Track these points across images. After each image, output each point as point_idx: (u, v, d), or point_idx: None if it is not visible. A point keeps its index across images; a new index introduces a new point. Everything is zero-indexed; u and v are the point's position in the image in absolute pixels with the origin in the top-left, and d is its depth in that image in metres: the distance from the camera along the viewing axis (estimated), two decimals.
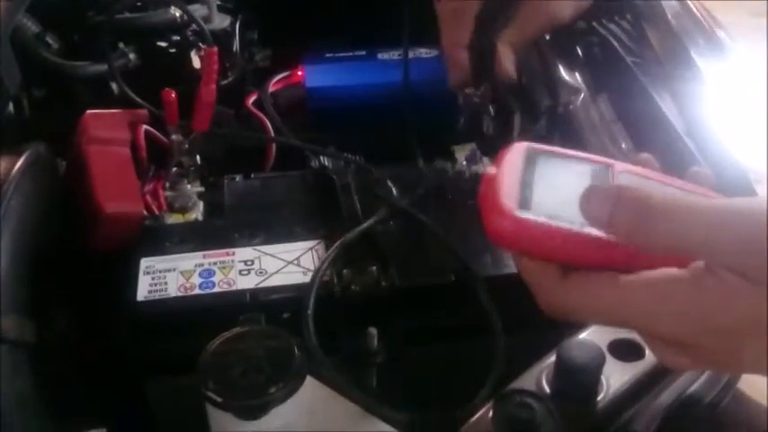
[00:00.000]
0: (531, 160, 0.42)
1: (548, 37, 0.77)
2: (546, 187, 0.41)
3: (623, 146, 0.64)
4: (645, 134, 0.58)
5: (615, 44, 0.74)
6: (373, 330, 0.58)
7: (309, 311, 0.54)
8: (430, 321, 0.62)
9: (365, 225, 0.62)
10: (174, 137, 0.68)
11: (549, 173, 0.41)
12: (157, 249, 0.63)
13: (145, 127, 0.71)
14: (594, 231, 0.38)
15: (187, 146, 0.69)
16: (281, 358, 0.49)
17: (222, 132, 0.73)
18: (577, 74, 0.74)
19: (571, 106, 0.71)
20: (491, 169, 0.41)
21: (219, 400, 0.46)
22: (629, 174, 0.42)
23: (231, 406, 0.46)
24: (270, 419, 0.47)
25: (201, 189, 0.70)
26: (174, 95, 0.66)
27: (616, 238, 0.37)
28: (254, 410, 0.46)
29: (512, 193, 0.40)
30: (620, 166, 0.43)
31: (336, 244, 0.60)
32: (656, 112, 0.64)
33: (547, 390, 0.49)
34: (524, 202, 0.40)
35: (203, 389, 0.47)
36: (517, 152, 0.42)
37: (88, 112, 0.69)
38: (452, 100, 0.78)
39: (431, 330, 0.62)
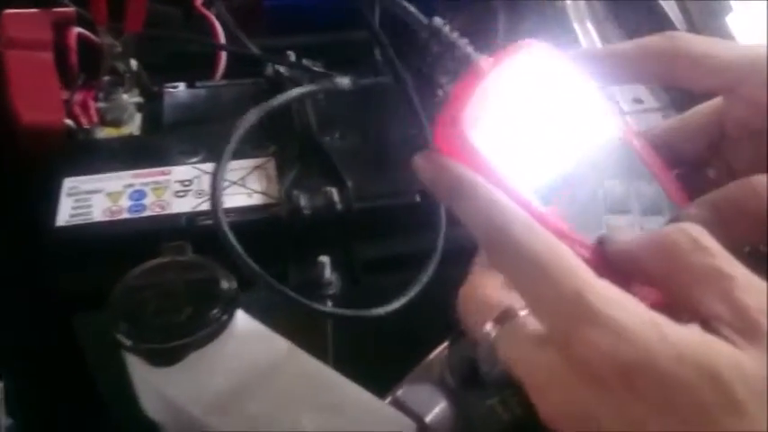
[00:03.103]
0: (537, 69, 0.32)
1: None
2: (532, 114, 0.31)
3: None
4: (641, 33, 0.49)
5: None
6: (325, 259, 0.51)
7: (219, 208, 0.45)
8: (392, 248, 0.55)
9: (286, 96, 0.53)
10: (103, 39, 0.60)
11: (547, 94, 0.32)
12: (84, 168, 0.55)
13: (78, 29, 0.63)
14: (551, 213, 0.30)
15: (120, 49, 0.60)
16: (204, 293, 0.42)
17: (161, 35, 0.64)
18: None
19: (559, 3, 0.61)
20: (484, 62, 0.31)
21: (128, 342, 0.40)
22: (626, 144, 0.33)
23: (140, 350, 0.40)
24: (188, 367, 0.40)
25: (140, 99, 0.62)
26: None
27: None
28: (165, 355, 0.39)
29: (485, 103, 0.30)
30: (623, 130, 0.33)
31: (255, 109, 0.51)
32: (653, 7, 0.55)
33: None
34: (487, 124, 0.30)
35: (112, 330, 0.40)
36: (527, 53, 0.32)
37: (6, 11, 0.60)
38: None
39: (393, 258, 0.55)
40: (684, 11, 0.53)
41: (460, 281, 0.36)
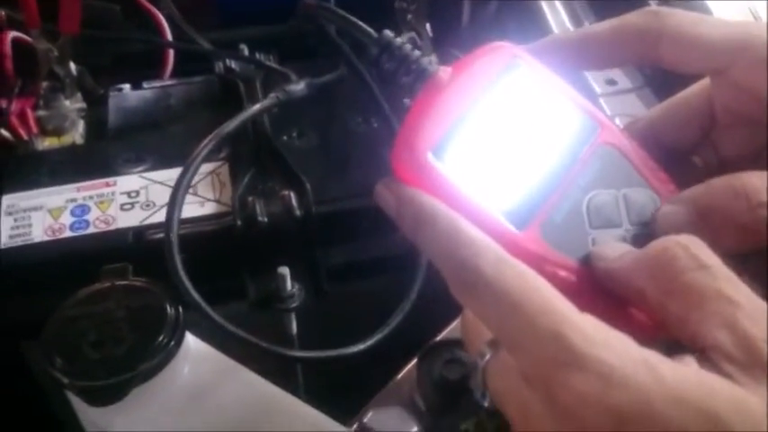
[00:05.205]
0: (502, 77, 0.29)
1: None
2: (501, 127, 0.28)
3: (586, 24, 0.52)
4: (615, 9, 0.45)
5: None
6: (284, 270, 0.47)
7: (172, 235, 0.42)
8: (358, 253, 0.52)
9: (251, 111, 0.49)
10: (38, 43, 0.56)
11: (517, 103, 0.29)
12: (23, 183, 0.52)
13: (13, 33, 0.59)
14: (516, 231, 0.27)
15: (56, 53, 0.56)
16: (147, 320, 0.38)
17: (101, 35, 0.60)
18: None
19: None
20: (443, 73, 0.28)
21: (65, 380, 0.36)
22: (610, 147, 0.30)
23: (78, 388, 0.36)
24: (134, 403, 0.36)
25: (83, 105, 0.58)
26: None
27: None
28: (106, 393, 0.36)
29: (447, 119, 0.27)
30: (606, 131, 0.30)
31: (211, 136, 0.46)
32: None
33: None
34: (449, 144, 0.27)
35: (48, 367, 0.37)
36: (491, 60, 0.29)
37: None
38: None
39: (360, 264, 0.52)
40: None
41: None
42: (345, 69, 0.58)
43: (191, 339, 0.40)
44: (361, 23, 0.32)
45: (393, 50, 0.29)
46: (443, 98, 0.28)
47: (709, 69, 0.31)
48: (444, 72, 0.28)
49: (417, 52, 0.30)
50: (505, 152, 0.28)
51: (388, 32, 0.30)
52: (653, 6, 0.31)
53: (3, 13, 0.57)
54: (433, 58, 0.29)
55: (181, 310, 0.39)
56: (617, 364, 0.22)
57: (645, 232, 0.29)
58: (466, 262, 0.25)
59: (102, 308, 0.39)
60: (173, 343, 0.38)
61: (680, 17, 0.30)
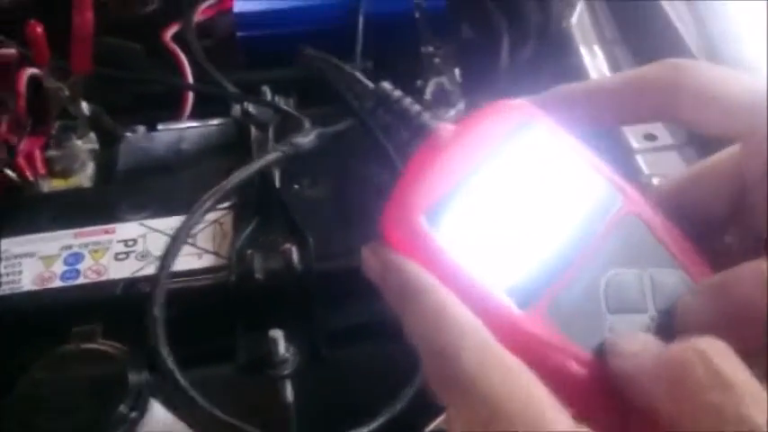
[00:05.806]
0: (513, 137, 0.25)
1: None
2: (508, 192, 0.25)
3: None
4: (653, 56, 0.41)
5: None
6: (276, 333, 0.44)
7: (155, 304, 0.39)
8: (361, 315, 0.48)
9: (253, 167, 0.47)
10: (47, 82, 0.54)
11: (527, 166, 0.25)
12: (22, 227, 0.50)
13: (30, 70, 0.58)
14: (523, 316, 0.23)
15: (67, 92, 0.55)
16: (108, 389, 0.35)
17: (115, 74, 0.59)
18: None
19: (564, 23, 0.54)
20: (444, 130, 0.25)
21: None
22: (635, 219, 0.26)
23: None
24: None
25: (94, 146, 0.57)
26: (40, 29, 0.52)
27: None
28: None
29: (446, 181, 0.24)
30: (631, 201, 0.26)
31: (205, 197, 0.44)
32: (667, 30, 0.47)
33: None
34: (446, 209, 0.24)
35: None
36: (501, 118, 0.26)
37: None
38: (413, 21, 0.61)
39: (362, 328, 0.48)
40: (704, 35, 0.45)
41: None
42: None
43: (157, 409, 0.37)
44: (356, 73, 0.29)
45: (390, 104, 0.26)
46: (443, 157, 0.24)
47: (733, 131, 0.26)
48: (445, 129, 0.25)
49: (417, 107, 0.26)
50: (511, 221, 0.24)
51: (385, 84, 0.27)
52: (675, 59, 0.27)
53: (16, 50, 0.56)
54: (429, 115, 0.26)
55: (146, 377, 0.36)
56: None
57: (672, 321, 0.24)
58: (446, 348, 0.21)
59: (67, 373, 0.36)
60: (135, 413, 0.35)
61: (701, 71, 0.26)
